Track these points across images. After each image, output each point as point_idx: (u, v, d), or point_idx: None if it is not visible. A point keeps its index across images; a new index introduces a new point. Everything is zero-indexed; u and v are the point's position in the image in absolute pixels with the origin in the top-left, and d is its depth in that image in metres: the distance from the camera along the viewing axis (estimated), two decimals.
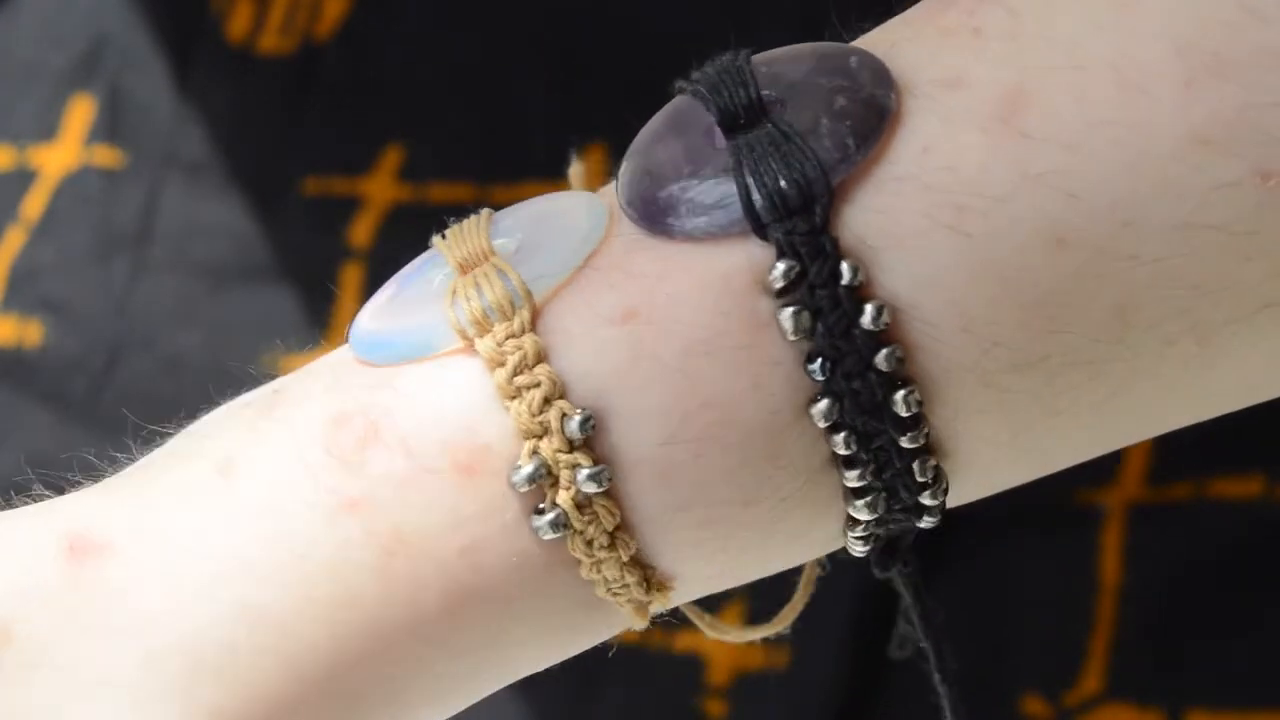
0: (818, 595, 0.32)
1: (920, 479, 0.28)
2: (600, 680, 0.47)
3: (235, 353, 0.51)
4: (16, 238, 0.53)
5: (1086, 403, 0.27)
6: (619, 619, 0.29)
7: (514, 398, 0.27)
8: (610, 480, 0.27)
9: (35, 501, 0.28)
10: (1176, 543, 0.45)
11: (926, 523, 0.29)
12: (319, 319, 0.52)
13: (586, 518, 0.27)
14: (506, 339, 0.27)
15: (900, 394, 0.27)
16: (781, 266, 0.26)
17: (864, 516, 0.28)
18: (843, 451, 0.27)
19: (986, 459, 0.28)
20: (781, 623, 0.31)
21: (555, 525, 0.27)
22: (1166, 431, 0.30)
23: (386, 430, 0.27)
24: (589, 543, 0.27)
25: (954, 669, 0.31)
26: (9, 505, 0.51)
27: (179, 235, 0.53)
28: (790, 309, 0.26)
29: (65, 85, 0.55)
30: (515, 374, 0.27)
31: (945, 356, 0.27)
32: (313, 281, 0.52)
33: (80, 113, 0.54)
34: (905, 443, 0.27)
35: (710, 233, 0.27)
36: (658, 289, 0.27)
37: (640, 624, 0.29)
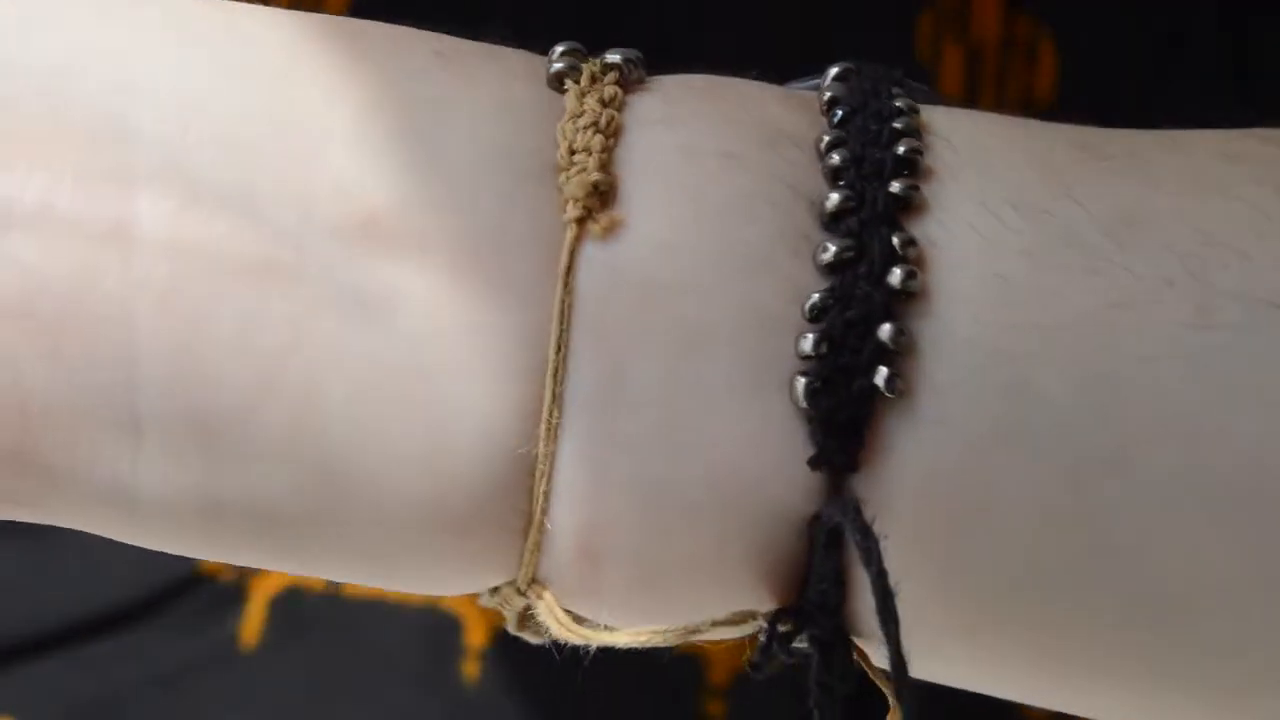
0: None
1: (897, 241, 0.27)
2: (600, 680, 0.47)
3: None
4: None
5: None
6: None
7: None
8: None
9: None
10: None
11: (880, 370, 0.27)
12: None
13: None
14: None
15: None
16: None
17: (832, 243, 0.27)
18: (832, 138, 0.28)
19: (968, 304, 0.27)
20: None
21: None
22: None
23: None
24: None
25: (895, 613, 0.28)
26: None
27: None
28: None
29: None
30: None
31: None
32: None
33: None
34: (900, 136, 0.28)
35: None
36: None
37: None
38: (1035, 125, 0.28)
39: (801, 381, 0.27)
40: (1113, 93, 0.51)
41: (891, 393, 0.27)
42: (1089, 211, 0.27)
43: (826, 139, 0.28)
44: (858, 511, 0.27)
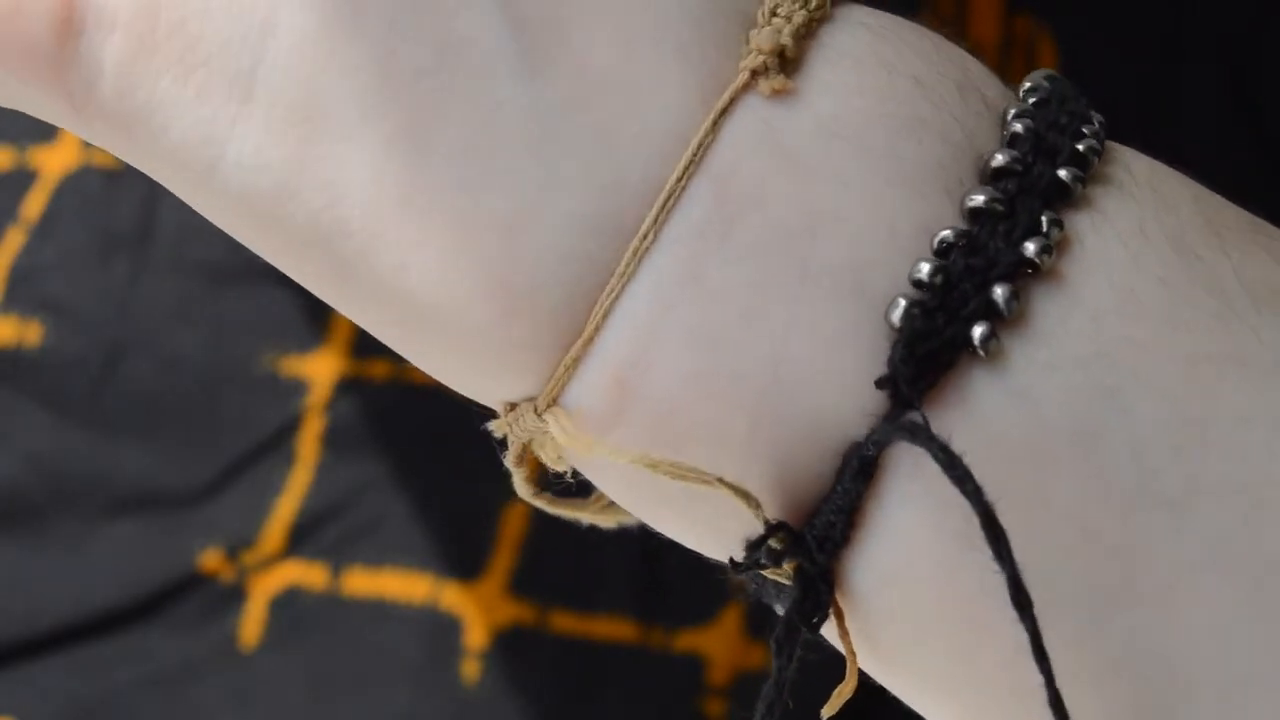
0: None
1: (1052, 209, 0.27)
2: (600, 680, 0.47)
3: (235, 353, 0.51)
4: (16, 238, 0.53)
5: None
6: None
7: None
8: None
9: None
10: None
11: (982, 324, 0.26)
12: (319, 319, 0.52)
13: None
14: None
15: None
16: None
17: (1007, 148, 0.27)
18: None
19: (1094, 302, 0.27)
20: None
21: None
22: None
23: None
24: None
25: (1002, 530, 0.25)
26: (7, 509, 0.51)
27: (179, 235, 0.53)
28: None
29: None
30: None
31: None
32: None
33: None
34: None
35: None
36: None
37: None
38: (1212, 193, 0.28)
39: (902, 303, 0.26)
40: (1113, 92, 0.51)
41: (984, 351, 0.26)
42: (1236, 269, 0.27)
43: (1014, 110, 0.28)
44: (928, 430, 0.26)
